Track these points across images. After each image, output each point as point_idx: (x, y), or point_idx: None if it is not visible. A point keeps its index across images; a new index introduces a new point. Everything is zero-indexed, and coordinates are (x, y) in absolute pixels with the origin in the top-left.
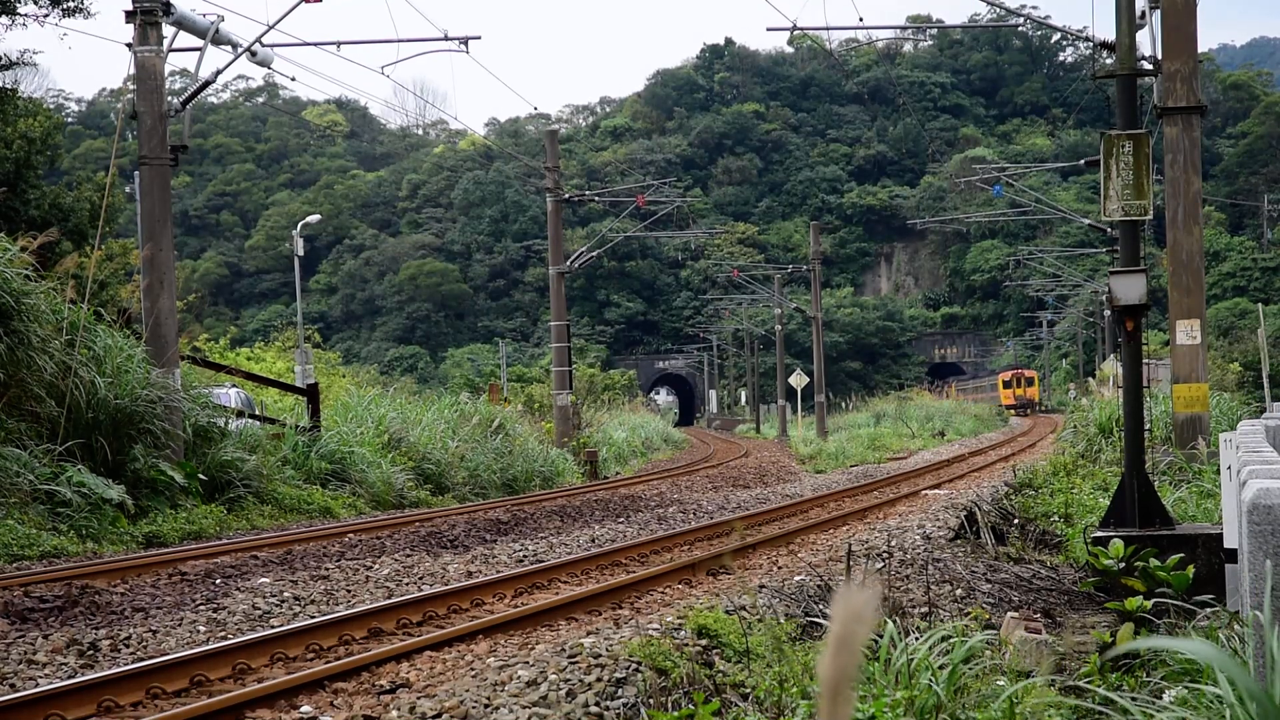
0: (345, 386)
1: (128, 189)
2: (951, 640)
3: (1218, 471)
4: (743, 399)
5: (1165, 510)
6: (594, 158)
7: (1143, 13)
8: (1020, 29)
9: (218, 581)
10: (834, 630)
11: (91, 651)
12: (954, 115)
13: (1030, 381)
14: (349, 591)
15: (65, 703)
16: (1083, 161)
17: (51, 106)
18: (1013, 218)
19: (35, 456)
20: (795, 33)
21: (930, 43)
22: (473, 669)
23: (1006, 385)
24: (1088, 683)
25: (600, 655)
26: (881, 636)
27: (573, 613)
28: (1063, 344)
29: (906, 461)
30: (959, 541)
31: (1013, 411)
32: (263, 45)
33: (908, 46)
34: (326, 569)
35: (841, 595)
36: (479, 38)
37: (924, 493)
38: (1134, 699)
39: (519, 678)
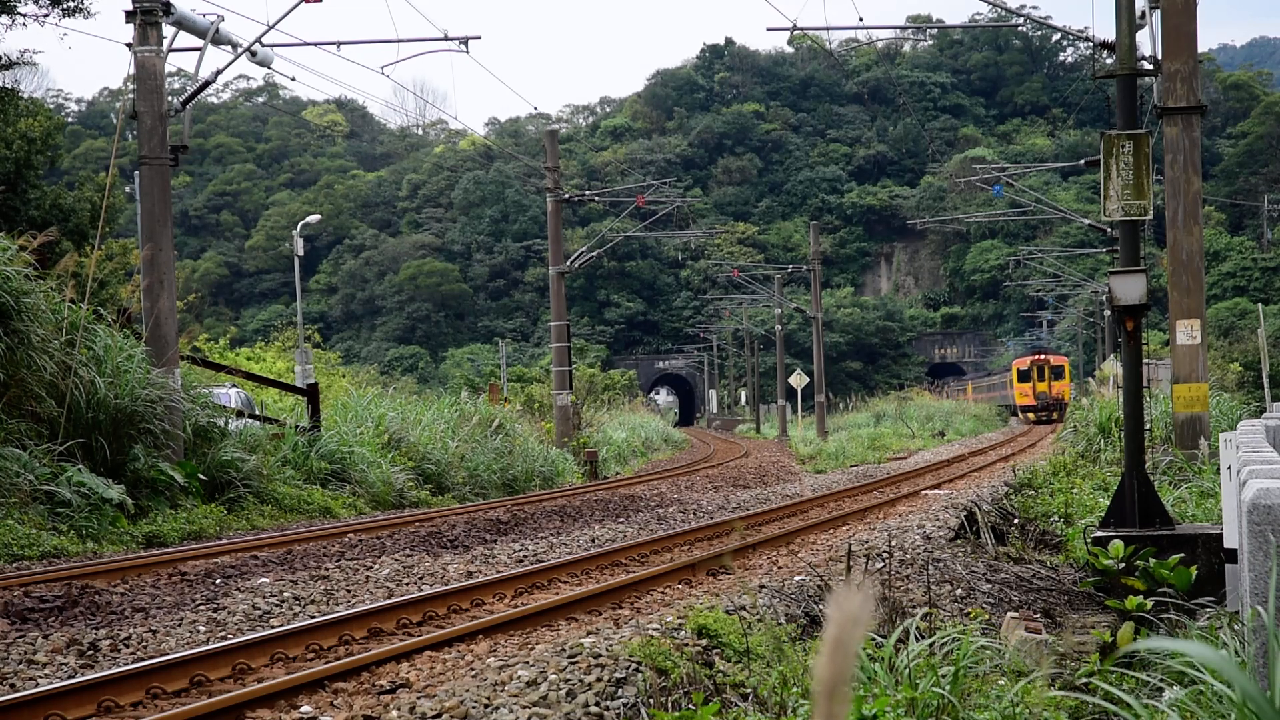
0: (345, 386)
1: (128, 189)
2: (952, 640)
3: (1218, 471)
4: (743, 399)
5: (1165, 510)
6: (594, 158)
7: (1143, 13)
8: (1020, 29)
9: (218, 581)
10: (830, 632)
11: (91, 651)
12: (954, 115)
13: (1059, 372)
14: (349, 591)
15: (65, 703)
16: (1083, 161)
17: (51, 106)
18: (1013, 218)
19: (35, 456)
20: (795, 33)
21: (930, 43)
22: (473, 669)
23: (1023, 377)
24: (1086, 684)
25: (600, 655)
26: (886, 637)
27: (573, 613)
28: (1063, 344)
29: (906, 461)
30: (959, 541)
31: (1032, 415)
32: (263, 45)
33: (908, 46)
34: (326, 569)
35: (837, 597)
36: (479, 38)
37: (924, 493)
38: (1132, 701)
39: (519, 678)
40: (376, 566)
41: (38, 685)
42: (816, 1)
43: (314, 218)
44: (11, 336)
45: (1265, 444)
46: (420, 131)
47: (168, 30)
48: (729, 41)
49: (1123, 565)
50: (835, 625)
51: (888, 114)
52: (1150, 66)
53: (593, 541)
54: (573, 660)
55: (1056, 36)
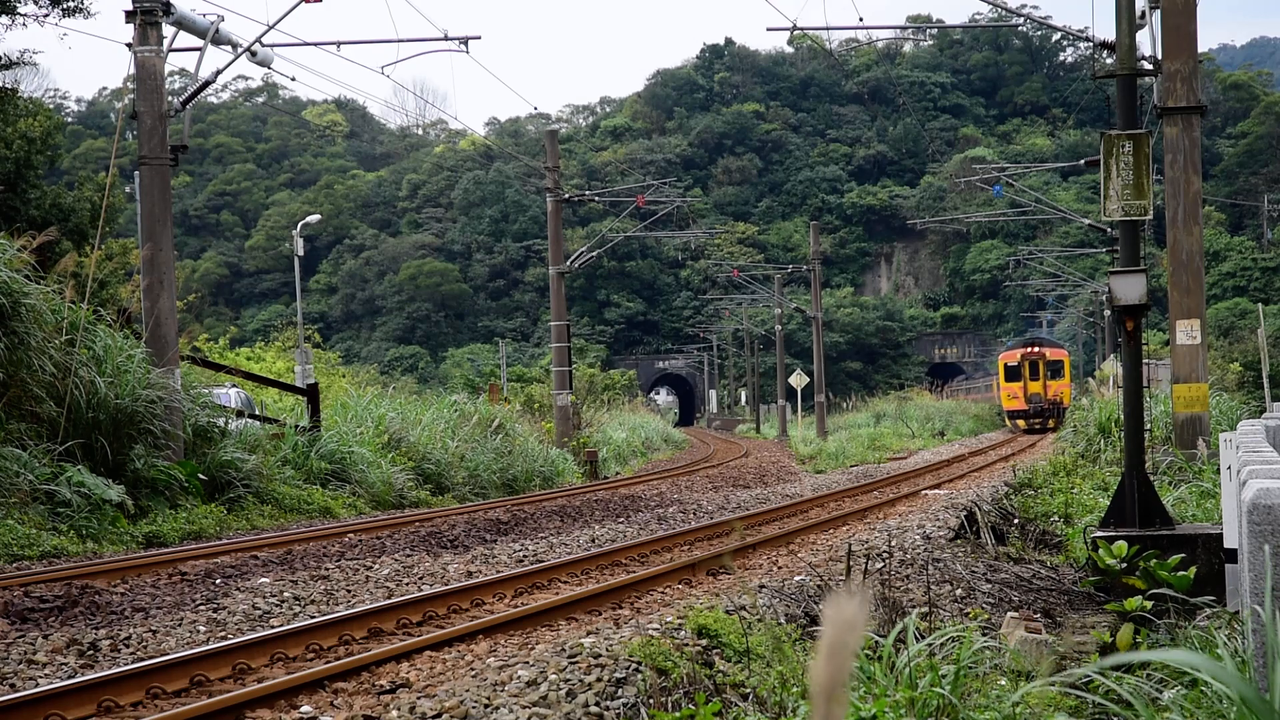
0: (345, 386)
1: (128, 189)
2: (951, 640)
3: (1218, 471)
4: (743, 399)
5: (1165, 510)
6: (594, 158)
7: (1143, 13)
8: (1020, 29)
9: (218, 581)
10: (826, 636)
11: (91, 651)
12: (954, 115)
13: (1057, 369)
14: (349, 591)
15: (65, 703)
16: (1083, 161)
17: (51, 106)
18: (1013, 218)
19: (35, 456)
20: (795, 33)
21: (930, 43)
22: (473, 669)
23: (1012, 374)
24: (1086, 683)
25: (600, 655)
26: (885, 637)
27: (573, 613)
28: (1063, 344)
29: (906, 461)
30: (959, 541)
31: (1022, 422)
32: (263, 45)
33: (908, 46)
34: (326, 569)
35: (833, 601)
36: (479, 38)
37: (924, 493)
38: (1134, 700)
39: (519, 678)
40: (376, 566)
41: (38, 685)
42: (816, 1)
43: (314, 218)
44: (11, 337)
45: (1265, 444)
46: (420, 131)
47: (168, 30)
48: (729, 41)
49: (1123, 565)
50: (832, 628)
51: (888, 114)
52: (1150, 66)
53: (593, 541)
54: (573, 660)
55: (1056, 36)
